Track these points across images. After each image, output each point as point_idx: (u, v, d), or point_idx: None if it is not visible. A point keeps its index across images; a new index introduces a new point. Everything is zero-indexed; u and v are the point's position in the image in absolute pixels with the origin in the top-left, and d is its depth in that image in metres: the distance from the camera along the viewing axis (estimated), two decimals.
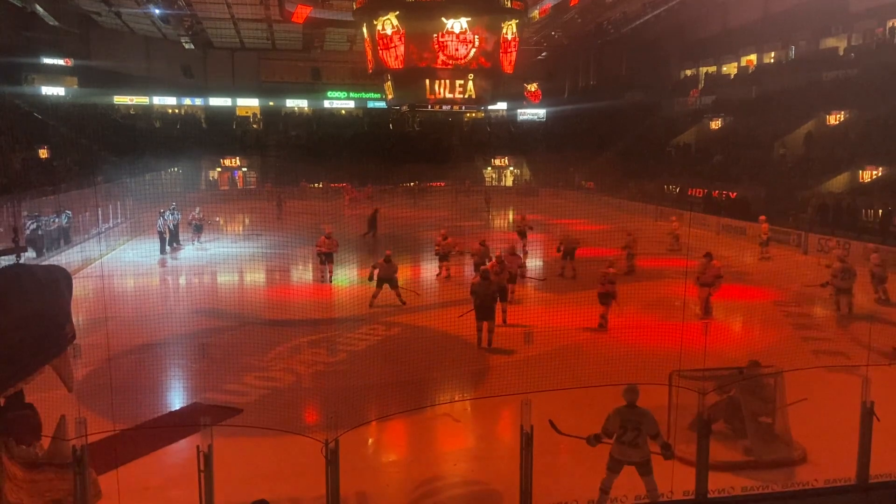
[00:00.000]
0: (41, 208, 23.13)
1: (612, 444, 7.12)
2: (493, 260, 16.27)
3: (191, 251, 25.37)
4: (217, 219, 32.40)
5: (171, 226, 25.22)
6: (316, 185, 45.75)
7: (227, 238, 29.24)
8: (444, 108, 37.04)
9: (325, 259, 19.40)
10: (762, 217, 25.17)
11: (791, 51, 43.63)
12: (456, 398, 11.32)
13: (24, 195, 23.92)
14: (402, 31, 32.88)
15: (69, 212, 23.87)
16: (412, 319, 15.24)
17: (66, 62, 49.31)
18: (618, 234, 27.23)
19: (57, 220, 23.18)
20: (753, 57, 46.88)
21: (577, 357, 12.60)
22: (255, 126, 57.68)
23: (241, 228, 35.60)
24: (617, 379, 10.02)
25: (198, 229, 26.47)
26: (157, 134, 50.96)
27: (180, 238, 25.86)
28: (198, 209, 27.36)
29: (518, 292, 17.03)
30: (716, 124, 43.84)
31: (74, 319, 6.52)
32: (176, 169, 43.43)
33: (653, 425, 7.05)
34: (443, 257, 20.22)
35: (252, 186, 50.27)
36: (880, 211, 25.41)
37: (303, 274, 22.91)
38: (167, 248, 24.75)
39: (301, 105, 59.92)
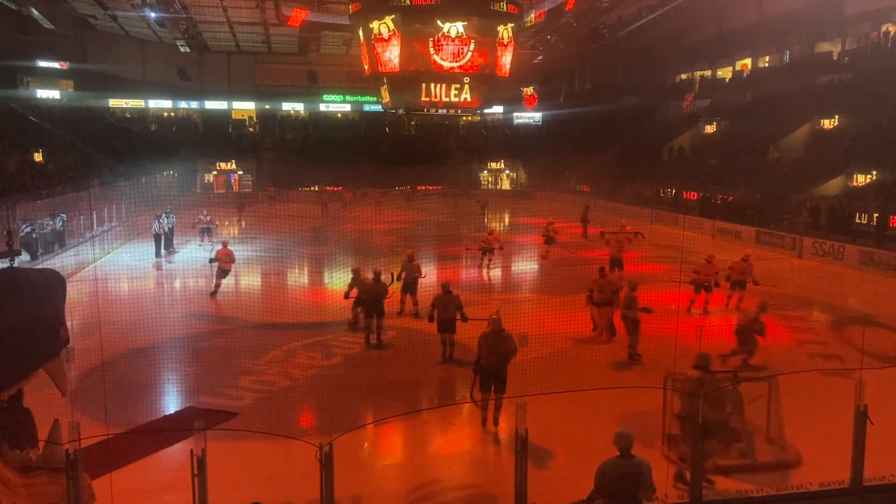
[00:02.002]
0: (36, 211, 23.07)
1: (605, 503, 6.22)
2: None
3: (188, 253, 25.29)
4: (226, 222, 32.33)
5: (167, 229, 25.18)
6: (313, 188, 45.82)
7: (224, 241, 29.16)
8: (440, 111, 37.29)
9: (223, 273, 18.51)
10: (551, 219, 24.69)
11: (786, 55, 43.80)
12: (451, 401, 11.31)
13: (19, 198, 23.87)
14: (398, 34, 33.05)
15: (64, 215, 23.81)
16: (408, 323, 15.23)
17: (62, 65, 49.25)
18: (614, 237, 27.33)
19: (52, 223, 23.12)
20: (748, 61, 47.04)
21: (574, 361, 12.62)
22: (251, 129, 57.66)
23: (237, 231, 35.51)
24: (615, 382, 10.06)
25: (206, 231, 26.41)
26: (153, 137, 50.98)
27: (174, 243, 25.81)
28: (204, 212, 27.33)
29: (513, 296, 17.00)
30: (711, 128, 43.98)
31: (68, 323, 6.50)
32: (171, 172, 43.40)
33: (650, 476, 6.22)
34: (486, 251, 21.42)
35: (248, 189, 50.28)
36: (875, 215, 25.51)
37: (298, 277, 22.92)
38: (162, 251, 24.71)
39: (297, 108, 59.88)
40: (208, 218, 26.93)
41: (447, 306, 12.62)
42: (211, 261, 18.14)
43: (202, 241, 26.17)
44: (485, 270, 21.80)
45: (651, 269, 22.27)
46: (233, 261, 18.76)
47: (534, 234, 25.62)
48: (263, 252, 25.94)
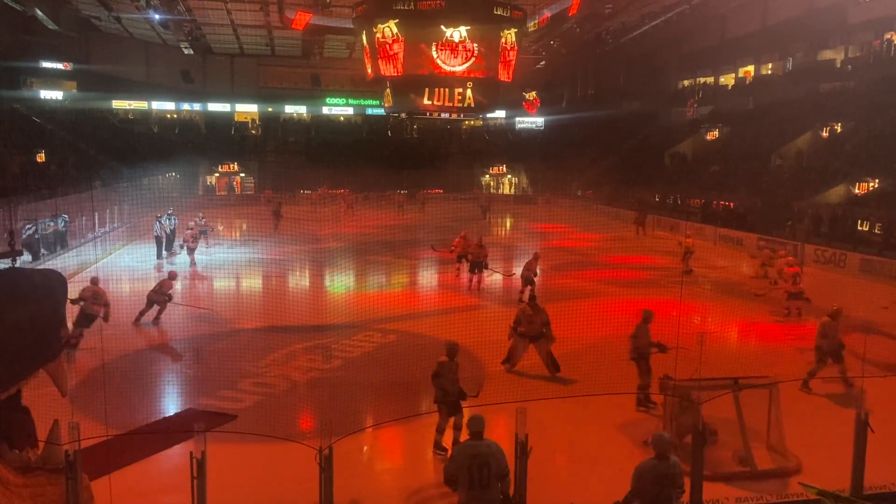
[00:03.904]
0: (38, 212, 23.07)
1: None
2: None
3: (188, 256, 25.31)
4: (220, 226, 32.32)
5: (168, 230, 25.18)
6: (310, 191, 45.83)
7: (224, 243, 29.20)
8: (443, 115, 37.33)
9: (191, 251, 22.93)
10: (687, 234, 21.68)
11: (788, 62, 43.83)
12: None
13: (22, 199, 23.89)
14: (401, 38, 33.13)
15: (66, 216, 23.82)
16: (408, 327, 15.21)
17: (66, 66, 49.34)
18: (617, 242, 27.36)
19: (53, 223, 23.13)
20: (751, 68, 47.10)
21: (574, 366, 12.61)
22: (253, 132, 57.78)
23: (238, 234, 35.57)
24: (614, 388, 10.05)
25: (203, 234, 26.36)
26: (156, 139, 51.07)
27: (175, 244, 25.81)
28: (200, 214, 27.31)
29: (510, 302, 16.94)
30: (713, 135, 44.01)
31: (69, 324, 6.51)
32: (174, 174, 43.47)
33: (682, 477, 6.25)
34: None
35: (250, 192, 50.34)
36: (878, 224, 25.48)
37: (300, 280, 22.92)
38: (164, 252, 24.71)
39: (300, 111, 60.02)
40: (203, 221, 26.90)
41: (453, 377, 9.21)
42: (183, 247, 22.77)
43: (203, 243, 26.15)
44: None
45: (650, 276, 22.27)
46: (196, 239, 23.17)
47: (534, 240, 25.57)
48: (257, 254, 25.99)
